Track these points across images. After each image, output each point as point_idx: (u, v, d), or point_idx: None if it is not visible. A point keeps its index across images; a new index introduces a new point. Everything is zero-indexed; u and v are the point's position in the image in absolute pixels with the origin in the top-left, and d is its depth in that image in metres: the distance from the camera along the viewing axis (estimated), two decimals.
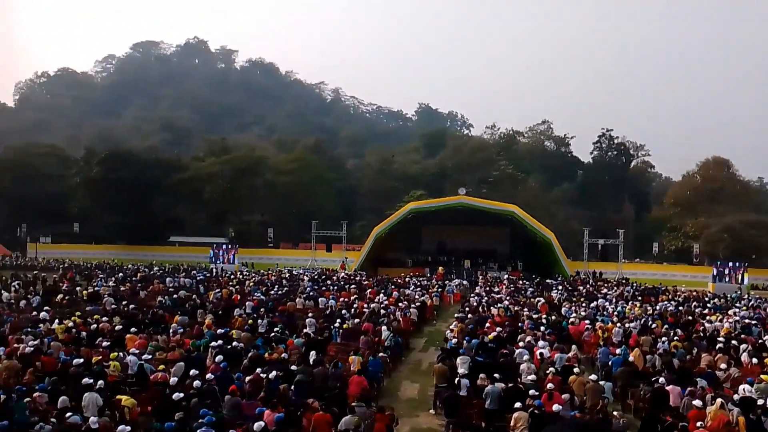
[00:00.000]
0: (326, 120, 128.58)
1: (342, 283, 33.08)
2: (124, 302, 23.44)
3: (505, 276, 40.39)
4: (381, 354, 15.39)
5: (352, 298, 25.86)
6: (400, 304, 23.63)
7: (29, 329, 16.53)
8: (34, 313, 20.24)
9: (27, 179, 66.38)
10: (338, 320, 19.11)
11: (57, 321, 17.91)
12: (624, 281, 39.79)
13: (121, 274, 37.11)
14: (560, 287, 33.63)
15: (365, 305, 23.35)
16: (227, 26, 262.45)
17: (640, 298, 30.31)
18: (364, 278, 36.09)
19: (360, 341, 16.33)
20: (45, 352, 14.05)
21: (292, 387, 11.68)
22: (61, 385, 11.51)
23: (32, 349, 13.96)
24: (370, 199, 72.28)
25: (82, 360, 12.90)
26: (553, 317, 21.75)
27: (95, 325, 17.40)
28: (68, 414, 9.56)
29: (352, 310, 22.14)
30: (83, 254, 54.48)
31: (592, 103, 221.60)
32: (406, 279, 36.01)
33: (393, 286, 31.44)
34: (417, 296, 27.30)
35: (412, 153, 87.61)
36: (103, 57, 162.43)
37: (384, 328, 18.07)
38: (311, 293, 27.20)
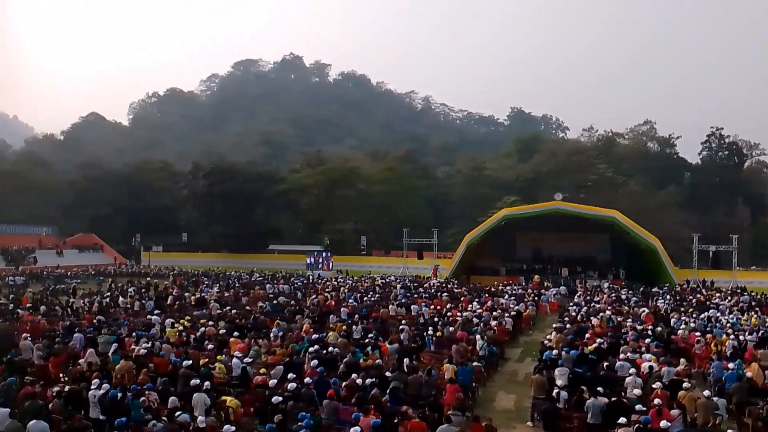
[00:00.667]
0: (417, 129, 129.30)
1: (434, 290, 32.94)
2: (228, 307, 24.64)
3: (606, 285, 38.53)
4: (475, 363, 15.13)
5: (445, 306, 25.69)
6: (494, 313, 23.18)
7: (143, 332, 17.77)
8: (148, 317, 21.77)
9: (141, 193, 71.85)
10: (431, 328, 19.03)
11: (168, 324, 19.13)
12: (740, 290, 36.74)
13: (225, 281, 39.17)
14: (667, 297, 31.62)
15: (458, 313, 23.11)
16: (321, 41, 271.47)
17: (757, 308, 27.85)
18: (456, 286, 35.74)
19: (452, 350, 16.18)
20: (157, 353, 14.99)
21: (387, 393, 11.74)
22: (171, 385, 12.25)
23: (145, 351, 14.95)
24: (462, 207, 71.65)
25: (190, 362, 13.66)
26: (659, 328, 20.47)
27: (202, 329, 18.41)
28: (178, 413, 10.13)
29: (445, 318, 21.97)
30: (191, 262, 57.89)
31: (698, 100, 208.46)
32: (500, 287, 35.28)
33: (487, 295, 30.89)
34: (512, 305, 26.65)
35: (504, 158, 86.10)
36: (207, 76, 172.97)
37: (478, 337, 17.77)
38: (404, 300, 27.30)
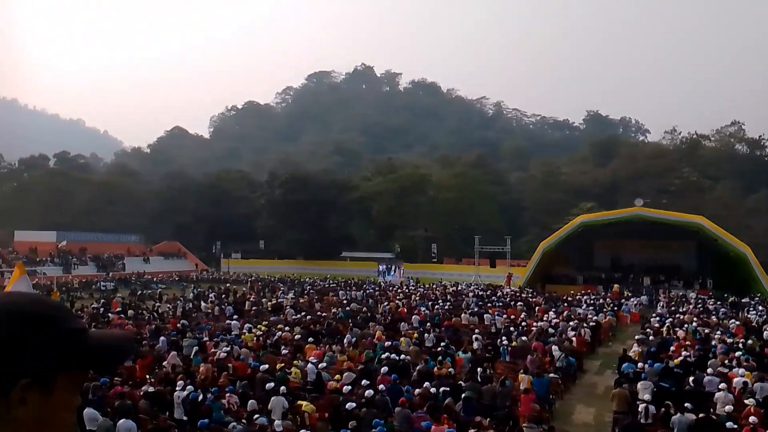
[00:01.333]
0: (488, 134, 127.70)
1: (508, 299, 32.32)
2: (302, 313, 25.18)
3: (692, 295, 36.49)
4: (552, 375, 14.70)
5: (519, 315, 25.14)
6: (571, 323, 22.45)
7: (223, 336, 18.44)
8: (227, 321, 22.58)
9: (221, 202, 74.88)
10: (505, 337, 18.67)
11: (246, 329, 19.76)
12: None
13: (300, 287, 40.11)
14: (759, 308, 29.55)
15: (533, 323, 22.55)
16: (392, 51, 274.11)
17: None
18: (531, 295, 34.91)
19: (527, 360, 15.79)
20: (236, 357, 15.51)
21: (460, 403, 11.61)
22: (250, 388, 12.63)
23: (225, 354, 15.50)
24: (536, 213, 69.97)
25: (267, 366, 14.05)
26: (751, 341, 19.15)
27: (278, 334, 18.90)
28: (256, 416, 10.43)
29: (520, 327, 21.49)
30: (268, 269, 59.65)
31: None
32: (578, 297, 34.15)
33: (564, 304, 29.99)
34: (590, 315, 25.73)
35: (580, 163, 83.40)
36: (282, 89, 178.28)
37: (555, 347, 17.27)
38: (476, 309, 26.94)
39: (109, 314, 25.18)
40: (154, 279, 49.17)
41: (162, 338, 17.81)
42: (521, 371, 14.18)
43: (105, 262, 54.32)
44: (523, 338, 18.99)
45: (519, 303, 29.96)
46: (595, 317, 25.02)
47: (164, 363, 14.99)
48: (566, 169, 78.92)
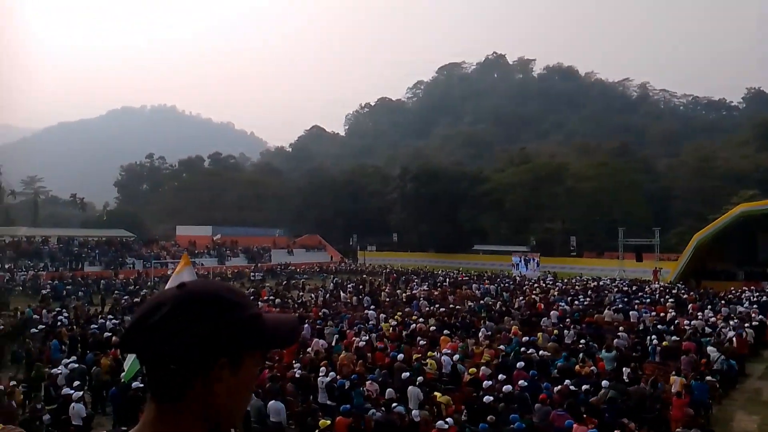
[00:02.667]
0: (632, 119, 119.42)
1: (656, 296, 30.11)
2: (436, 305, 25.39)
3: None
4: (708, 378, 13.49)
5: (669, 313, 23.33)
6: (731, 323, 20.41)
7: (361, 325, 19.13)
8: (365, 311, 23.39)
9: (356, 197, 77.65)
10: (654, 336, 17.43)
11: (382, 319, 20.35)
12: None
13: (433, 280, 40.46)
14: None
15: (685, 322, 20.82)
16: (524, 38, 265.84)
17: None
18: (683, 291, 32.23)
19: (681, 361, 14.61)
20: (374, 346, 16.02)
21: (604, 403, 11.06)
22: (388, 377, 13.00)
23: (364, 343, 16.07)
24: (688, 203, 64.36)
25: (403, 356, 14.36)
26: None
27: (413, 326, 19.22)
28: (394, 404, 10.71)
29: (670, 326, 19.96)
30: (401, 261, 60.85)
31: None
32: (738, 293, 30.94)
33: (722, 302, 27.35)
34: (753, 314, 23.21)
35: (739, 147, 75.24)
36: (413, 84, 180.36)
37: (711, 348, 15.82)
38: (621, 305, 25.43)
39: (259, 302, 27.15)
40: (297, 270, 52.14)
41: (306, 326, 18.87)
42: (673, 373, 13.18)
43: (254, 254, 58.56)
44: (674, 338, 17.61)
45: (670, 300, 27.79)
46: (759, 316, 22.53)
47: (308, 349, 15.88)
48: (723, 153, 71.62)
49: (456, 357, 14.62)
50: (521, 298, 28.27)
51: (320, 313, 22.49)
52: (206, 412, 1.03)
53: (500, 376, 12.31)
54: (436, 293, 31.09)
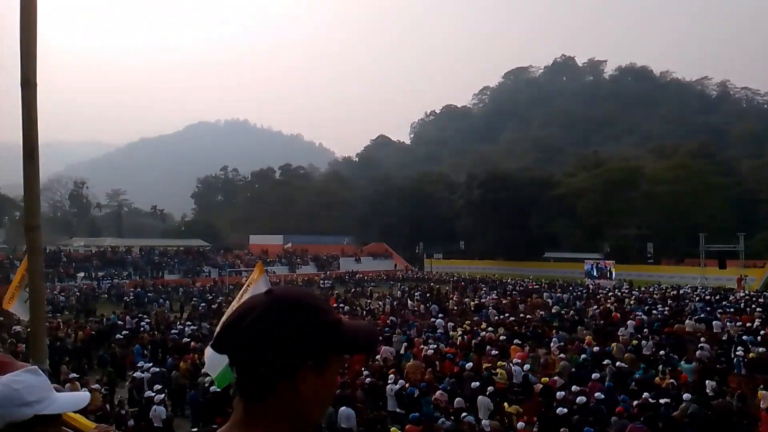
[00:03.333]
0: (712, 119, 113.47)
1: (742, 304, 28.34)
2: (506, 314, 24.93)
3: None
4: None
5: (755, 322, 21.89)
6: None
7: (429, 333, 19.04)
8: (432, 319, 23.28)
9: (422, 204, 77.52)
10: (739, 347, 16.39)
11: (450, 328, 20.18)
12: None
13: (502, 288, 39.79)
14: None
15: None
16: (594, 38, 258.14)
17: None
18: None
19: None
20: (443, 355, 15.90)
21: (686, 418, 10.50)
22: (457, 386, 12.86)
23: (432, 351, 15.98)
24: None
25: (471, 365, 14.17)
26: None
27: (481, 334, 18.95)
28: (464, 414, 10.58)
29: (758, 337, 18.70)
30: (468, 269, 60.16)
31: None
32: None
33: None
34: None
35: None
36: (479, 90, 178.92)
37: None
38: (703, 315, 24.10)
39: None
40: (365, 278, 52.60)
41: None
42: (761, 387, 12.34)
43: (323, 262, 59.58)
44: (762, 349, 16.48)
45: (757, 309, 26.08)
46: None
47: (377, 357, 15.95)
48: None
49: (527, 367, 14.29)
50: (595, 307, 27.31)
51: (388, 321, 22.56)
52: (291, 413, 1.08)
53: (574, 387, 11.92)
54: (505, 302, 30.54)
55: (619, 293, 34.92)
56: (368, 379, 13.42)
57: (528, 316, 24.69)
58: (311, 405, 1.09)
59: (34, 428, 1.53)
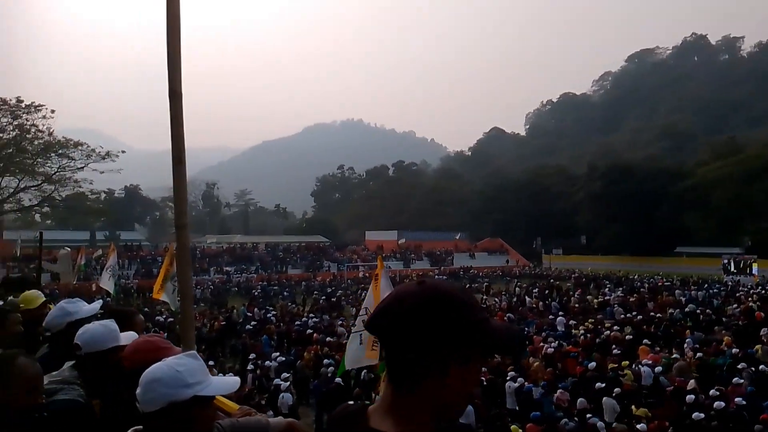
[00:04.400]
0: None
1: None
2: (633, 312, 23.57)
3: None
4: None
5: None
6: None
7: (549, 331, 18.46)
8: (551, 317, 22.54)
9: (539, 198, 75.16)
10: None
11: (571, 326, 19.43)
12: None
13: (628, 285, 37.65)
14: None
15: None
16: (729, 13, 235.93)
17: None
18: None
19: None
20: (565, 353, 15.36)
21: None
22: (580, 387, 12.37)
23: (553, 350, 15.49)
24: None
25: (595, 365, 13.55)
26: None
27: (606, 333, 18.06)
28: (588, 415, 10.16)
29: None
30: (590, 265, 57.39)
31: None
32: None
33: None
34: None
35: None
36: (600, 75, 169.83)
37: None
38: None
39: None
40: (480, 274, 52.00)
41: None
42: None
43: (437, 258, 59.70)
44: None
45: None
46: None
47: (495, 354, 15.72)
48: None
49: (658, 369, 13.43)
50: (735, 305, 25.05)
51: (505, 318, 22.16)
52: (435, 404, 1.11)
53: (711, 392, 11.03)
54: (632, 299, 28.84)
55: (763, 291, 31.74)
56: (487, 376, 13.28)
57: (658, 315, 23.17)
58: (455, 399, 1.12)
59: (193, 408, 1.69)
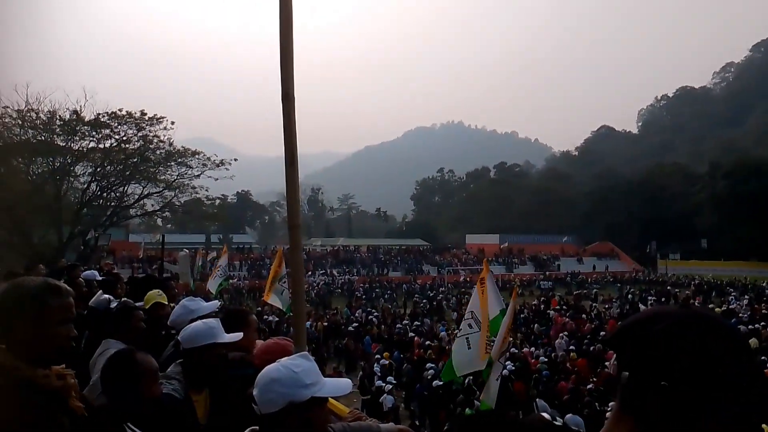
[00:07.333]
0: None
1: None
2: (762, 323, 21.53)
3: None
4: None
5: None
6: None
7: None
8: None
9: (654, 199, 70.70)
10: None
11: None
12: None
13: (755, 292, 34.56)
14: None
15: None
16: None
17: None
18: None
19: None
20: None
21: None
22: None
23: None
24: None
25: None
26: None
27: None
28: None
29: None
30: (712, 271, 53.15)
31: None
32: None
33: None
34: None
35: None
36: (721, 67, 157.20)
37: None
38: None
39: (549, 311, 26.65)
40: (588, 279, 49.76)
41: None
42: None
43: (542, 262, 57.86)
44: None
45: None
46: None
47: (605, 363, 14.95)
48: None
49: None
50: None
51: (617, 326, 20.98)
52: None
53: None
54: (760, 309, 26.34)
55: None
56: (594, 387, 12.64)
57: None
58: None
59: (312, 410, 1.68)
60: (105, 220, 31.96)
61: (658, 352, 0.94)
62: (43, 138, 28.23)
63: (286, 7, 2.61)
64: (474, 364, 6.93)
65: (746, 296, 32.39)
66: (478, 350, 6.81)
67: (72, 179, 30.37)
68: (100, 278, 6.76)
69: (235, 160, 35.46)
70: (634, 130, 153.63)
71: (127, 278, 7.68)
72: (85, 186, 30.48)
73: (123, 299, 4.44)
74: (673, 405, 0.92)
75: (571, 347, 17.03)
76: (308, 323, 23.44)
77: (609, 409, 10.83)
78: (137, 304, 4.09)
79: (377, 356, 16.69)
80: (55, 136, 28.84)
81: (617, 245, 66.13)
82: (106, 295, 5.05)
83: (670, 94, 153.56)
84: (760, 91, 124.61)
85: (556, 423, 1.37)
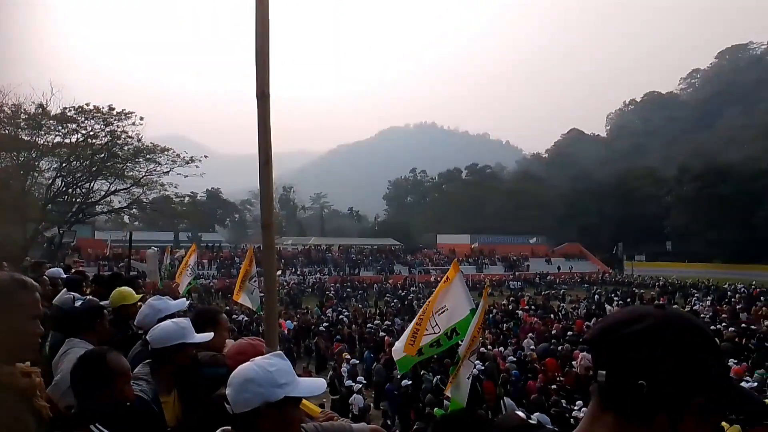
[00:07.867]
0: None
1: None
2: (723, 324, 22.15)
3: None
4: None
5: None
6: None
7: None
8: None
9: (625, 202, 72.04)
10: None
11: None
12: None
13: (716, 294, 35.48)
14: None
15: None
16: None
17: None
18: None
19: None
20: None
21: None
22: None
23: None
24: None
25: None
26: None
27: None
28: None
29: None
30: (677, 272, 54.40)
31: None
32: None
33: None
34: None
35: None
36: (687, 73, 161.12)
37: None
38: None
39: (518, 311, 26.96)
40: (557, 280, 50.45)
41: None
42: None
43: (512, 262, 58.46)
44: None
45: None
46: None
47: (573, 362, 15.19)
48: None
49: (751, 385, 12.48)
50: None
51: (584, 326, 21.36)
52: None
53: None
54: (722, 310, 27.11)
55: None
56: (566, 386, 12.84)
57: (752, 327, 21.61)
58: None
59: (285, 409, 1.68)
60: (71, 217, 31.18)
61: (639, 353, 0.95)
62: (7, 132, 27.45)
63: (262, 6, 2.60)
64: (398, 352, 6.93)
65: (709, 297, 33.30)
66: (404, 341, 6.80)
67: (37, 175, 29.56)
68: (65, 276, 6.61)
69: (206, 157, 34.93)
70: (603, 134, 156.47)
71: (92, 276, 7.52)
72: (50, 182, 29.71)
73: (88, 298, 4.35)
74: (654, 403, 0.94)
75: (531, 348, 17.35)
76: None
77: (576, 407, 11.01)
78: (103, 303, 4.01)
79: (347, 356, 16.66)
80: (19, 130, 28.06)
81: (589, 247, 67.09)
82: (71, 293, 4.94)
83: (638, 99, 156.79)
84: (728, 97, 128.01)
85: (531, 422, 1.40)
